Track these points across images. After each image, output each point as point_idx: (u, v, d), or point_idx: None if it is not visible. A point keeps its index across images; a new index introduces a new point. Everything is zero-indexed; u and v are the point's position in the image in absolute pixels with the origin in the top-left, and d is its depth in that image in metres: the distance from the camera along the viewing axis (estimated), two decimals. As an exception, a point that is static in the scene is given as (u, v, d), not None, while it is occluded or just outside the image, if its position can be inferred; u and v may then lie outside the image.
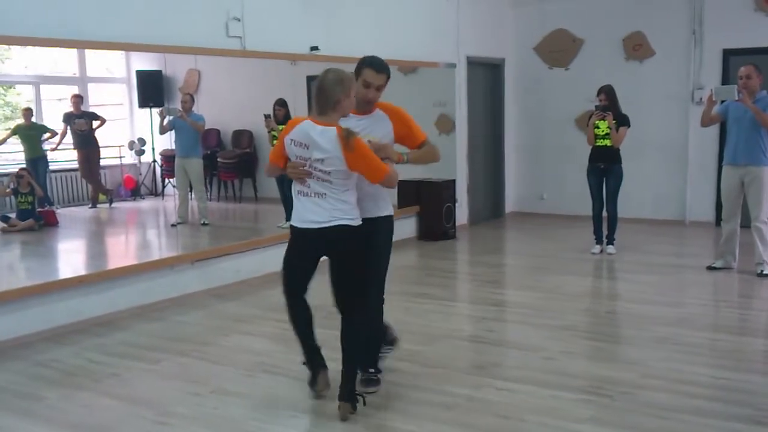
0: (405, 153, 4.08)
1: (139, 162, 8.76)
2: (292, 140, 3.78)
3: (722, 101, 7.00)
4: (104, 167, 8.61)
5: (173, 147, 8.06)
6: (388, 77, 4.01)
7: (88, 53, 7.95)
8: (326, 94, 3.73)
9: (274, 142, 7.91)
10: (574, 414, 3.87)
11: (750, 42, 9.05)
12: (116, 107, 8.76)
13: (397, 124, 4.07)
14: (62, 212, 8.11)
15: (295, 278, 3.99)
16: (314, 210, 3.79)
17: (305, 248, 3.89)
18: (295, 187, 3.86)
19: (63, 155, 8.27)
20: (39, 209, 7.65)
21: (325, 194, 3.77)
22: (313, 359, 4.07)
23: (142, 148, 8.52)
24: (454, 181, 9.54)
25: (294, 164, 3.79)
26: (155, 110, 7.95)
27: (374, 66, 3.93)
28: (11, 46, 6.90)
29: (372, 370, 4.26)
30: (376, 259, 4.08)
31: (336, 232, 3.78)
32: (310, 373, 4.09)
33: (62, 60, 8.32)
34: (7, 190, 7.55)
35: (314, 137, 3.71)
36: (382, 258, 4.15)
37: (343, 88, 3.74)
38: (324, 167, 3.72)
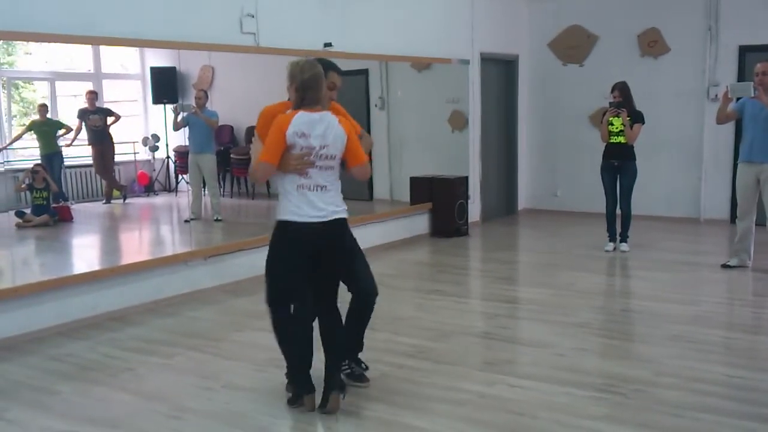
0: None
1: (153, 158, 8.79)
2: (295, 132, 3.73)
3: (738, 98, 6.95)
4: (118, 163, 8.65)
5: (187, 143, 8.08)
6: None
7: (103, 49, 7.98)
8: (319, 86, 3.80)
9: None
10: (588, 411, 3.86)
11: (766, 38, 8.99)
12: (130, 103, 8.80)
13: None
14: (77, 208, 8.14)
15: (296, 281, 3.91)
16: (316, 204, 3.78)
17: (304, 244, 3.82)
18: (295, 182, 3.77)
19: (78, 151, 8.31)
20: (54, 205, 7.69)
21: (326, 186, 3.79)
22: (307, 380, 3.98)
23: (156, 144, 8.55)
24: (467, 177, 9.52)
25: (297, 156, 3.73)
26: (169, 106, 7.98)
27: (338, 69, 4.08)
28: (29, 42, 6.94)
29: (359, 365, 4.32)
30: (360, 255, 4.14)
31: (335, 226, 3.82)
32: (297, 393, 4.00)
33: (77, 56, 8.37)
34: (23, 186, 7.60)
35: (315, 123, 3.75)
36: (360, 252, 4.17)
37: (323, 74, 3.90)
38: (329, 152, 3.77)
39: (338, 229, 3.85)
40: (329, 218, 3.79)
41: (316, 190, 3.78)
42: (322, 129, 3.75)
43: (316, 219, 3.76)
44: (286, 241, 3.85)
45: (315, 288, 3.95)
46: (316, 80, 3.79)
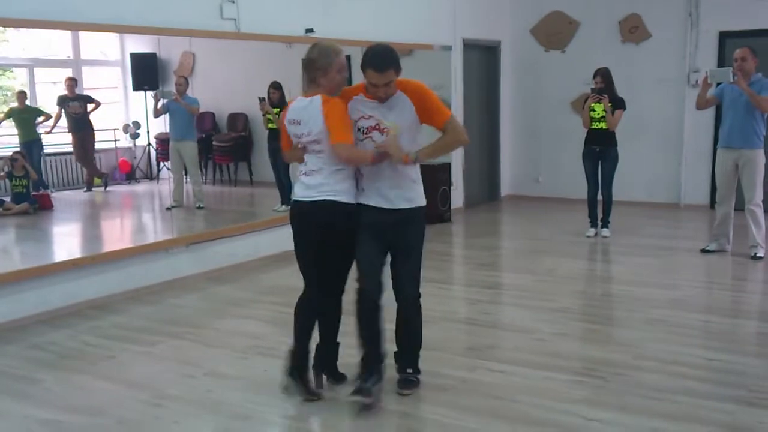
0: (416, 151, 3.81)
1: (134, 145, 8.73)
2: (287, 120, 3.83)
3: (718, 84, 6.99)
4: (99, 151, 8.57)
5: (168, 130, 8.03)
6: (397, 71, 3.70)
7: (82, 35, 7.87)
8: (313, 65, 3.73)
9: (270, 125, 7.93)
10: (568, 395, 3.89)
11: (746, 24, 9.04)
12: (110, 90, 8.71)
13: (417, 102, 3.78)
14: (57, 196, 8.08)
15: (305, 266, 3.90)
16: (306, 186, 3.77)
17: (302, 227, 3.83)
18: (297, 169, 3.89)
19: (57, 138, 8.23)
20: (33, 193, 7.63)
21: (321, 169, 3.74)
22: (304, 363, 3.98)
23: (137, 131, 8.49)
24: (449, 164, 9.53)
25: (294, 145, 3.85)
26: (150, 93, 7.92)
27: (375, 65, 3.61)
28: (6, 29, 6.85)
29: (410, 371, 4.08)
30: (409, 253, 4.05)
31: (324, 208, 3.72)
32: (299, 380, 3.93)
33: (56, 42, 8.27)
34: (1, 174, 7.52)
35: (302, 110, 3.75)
36: (415, 252, 4.09)
37: (329, 59, 3.72)
38: (315, 137, 3.71)
39: (329, 211, 3.73)
40: (317, 198, 3.72)
41: (310, 174, 3.78)
42: (308, 113, 3.71)
43: (306, 198, 3.75)
44: (291, 226, 3.89)
45: (322, 273, 3.91)
46: (309, 61, 3.74)
